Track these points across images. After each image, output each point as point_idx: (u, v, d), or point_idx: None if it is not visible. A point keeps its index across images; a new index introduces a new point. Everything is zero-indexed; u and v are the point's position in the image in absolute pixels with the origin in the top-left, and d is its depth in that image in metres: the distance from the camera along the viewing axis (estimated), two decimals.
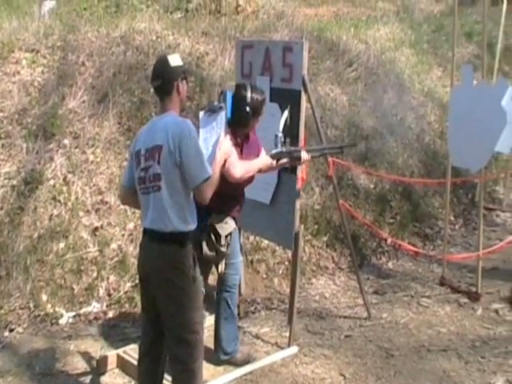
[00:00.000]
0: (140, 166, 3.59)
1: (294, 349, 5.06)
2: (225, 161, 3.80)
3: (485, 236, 7.26)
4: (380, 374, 4.78)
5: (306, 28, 10.23)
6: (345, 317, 5.70)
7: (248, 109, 4.38)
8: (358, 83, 8.94)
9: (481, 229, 6.15)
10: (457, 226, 7.93)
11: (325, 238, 6.75)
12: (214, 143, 3.84)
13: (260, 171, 4.48)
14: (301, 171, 4.94)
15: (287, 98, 4.93)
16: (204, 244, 4.22)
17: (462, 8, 13.79)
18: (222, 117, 3.96)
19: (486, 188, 8.59)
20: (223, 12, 12.03)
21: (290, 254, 5.44)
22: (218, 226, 4.30)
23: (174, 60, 3.65)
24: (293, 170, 4.92)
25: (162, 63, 3.66)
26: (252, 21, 11.06)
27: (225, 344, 4.78)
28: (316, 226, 6.77)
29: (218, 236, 4.29)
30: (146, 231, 3.66)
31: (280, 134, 4.85)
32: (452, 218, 7.90)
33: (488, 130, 5.79)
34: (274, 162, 4.55)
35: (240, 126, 4.44)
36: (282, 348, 5.09)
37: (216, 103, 4.12)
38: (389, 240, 6.78)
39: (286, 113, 4.90)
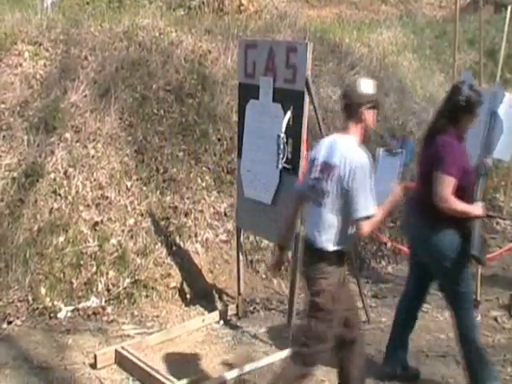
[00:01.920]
0: (312, 174, 3.77)
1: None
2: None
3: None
4: (379, 378, 4.78)
5: (309, 29, 10.22)
6: None
7: (462, 100, 4.21)
8: None
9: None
10: None
11: None
12: (385, 186, 3.84)
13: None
14: (302, 172, 4.93)
15: (290, 99, 4.93)
16: None
17: (464, 15, 13.85)
18: (400, 162, 4.15)
19: (486, 195, 8.58)
20: (226, 11, 12.03)
21: (289, 254, 5.42)
22: None
23: (366, 86, 3.69)
24: (294, 170, 4.90)
25: (352, 85, 3.77)
26: (255, 20, 11.05)
27: None
28: None
29: None
30: (305, 239, 3.80)
31: (282, 135, 4.87)
32: None
33: (485, 136, 5.78)
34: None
35: (450, 122, 4.25)
36: (280, 349, 5.07)
37: (395, 144, 4.30)
38: (389, 244, 6.78)
39: (289, 114, 4.90)
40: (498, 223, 8.37)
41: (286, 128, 4.92)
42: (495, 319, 5.81)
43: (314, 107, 5.02)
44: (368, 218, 3.52)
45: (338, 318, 3.76)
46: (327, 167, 3.63)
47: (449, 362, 5.05)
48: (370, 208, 3.53)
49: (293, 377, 3.81)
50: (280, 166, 4.98)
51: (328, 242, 3.63)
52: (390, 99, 8.96)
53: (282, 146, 4.92)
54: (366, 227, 3.55)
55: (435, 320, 5.76)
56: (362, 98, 3.64)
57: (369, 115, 3.70)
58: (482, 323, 5.67)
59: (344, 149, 3.60)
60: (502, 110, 7.48)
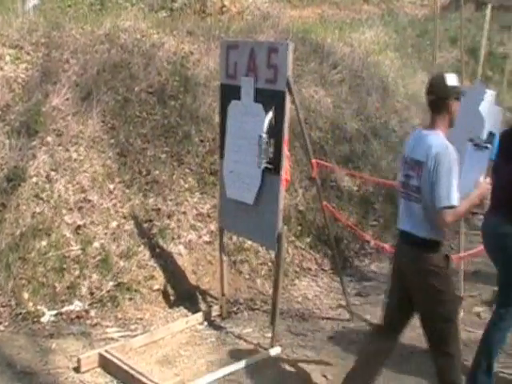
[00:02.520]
0: (403, 171, 3.90)
1: (276, 349, 5.06)
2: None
3: (467, 240, 7.29)
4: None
5: (291, 29, 10.25)
6: (327, 318, 5.72)
7: None
8: (343, 85, 8.98)
9: (462, 232, 6.18)
10: None
11: (308, 240, 6.77)
12: (472, 179, 3.93)
13: None
14: (284, 172, 4.94)
15: (271, 99, 4.93)
16: None
17: (446, 13, 13.92)
18: (487, 157, 4.23)
19: None
20: (208, 12, 12.04)
21: (273, 254, 5.45)
22: None
23: (451, 80, 3.82)
24: (276, 170, 4.92)
25: (438, 80, 3.85)
26: (237, 21, 11.07)
27: None
28: (299, 228, 6.79)
29: None
30: (402, 233, 3.93)
31: (264, 135, 4.88)
32: None
33: (466, 133, 5.81)
34: None
35: None
36: (264, 349, 5.09)
37: (483, 140, 4.39)
38: (372, 242, 6.79)
39: (271, 114, 4.91)
40: (480, 220, 8.38)
41: (268, 128, 4.92)
42: (478, 315, 5.84)
43: (296, 107, 5.02)
44: (451, 208, 3.62)
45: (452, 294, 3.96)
46: (415, 163, 3.77)
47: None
48: (452, 198, 3.62)
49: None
50: (262, 166, 4.98)
51: (427, 233, 3.77)
52: (373, 98, 9.01)
53: (263, 146, 4.93)
54: (449, 217, 3.65)
55: (418, 317, 5.74)
56: (449, 91, 3.79)
57: (455, 107, 3.84)
58: (465, 319, 5.73)
59: (430, 144, 3.72)
60: (482, 107, 7.53)
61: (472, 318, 5.79)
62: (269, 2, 13.68)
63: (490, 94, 8.08)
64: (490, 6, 9.07)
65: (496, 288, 5.99)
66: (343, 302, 5.74)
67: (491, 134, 4.43)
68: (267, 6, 13.21)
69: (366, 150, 8.04)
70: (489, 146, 4.34)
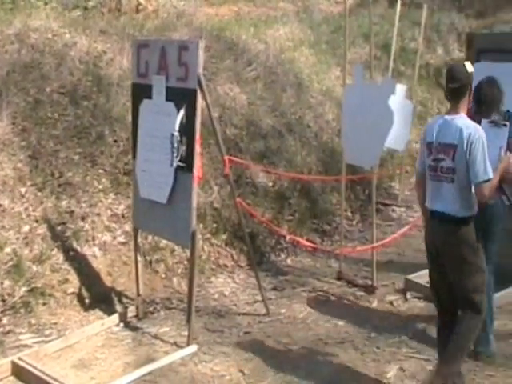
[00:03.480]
0: (431, 156, 4.20)
1: (192, 347, 5.06)
2: None
3: (381, 231, 7.51)
4: (279, 368, 4.84)
5: (206, 27, 10.25)
6: (244, 314, 5.74)
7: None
8: (258, 82, 9.03)
9: (374, 222, 6.34)
10: (354, 222, 8.10)
11: (224, 237, 6.78)
12: (492, 155, 4.24)
13: None
14: (197, 169, 4.94)
15: (183, 97, 4.93)
16: None
17: (360, 9, 14.18)
18: (505, 133, 4.53)
19: (382, 184, 8.86)
20: (123, 11, 11.91)
21: (188, 252, 5.44)
22: None
23: (469, 67, 4.21)
24: (189, 168, 4.92)
25: (460, 68, 4.22)
26: (152, 20, 11.00)
27: None
28: (215, 225, 6.79)
29: None
30: (434, 213, 4.24)
31: (176, 133, 4.88)
32: (349, 214, 8.07)
33: (377, 128, 5.97)
34: None
35: None
36: (181, 347, 5.08)
37: (498, 118, 4.64)
38: (287, 237, 6.86)
39: (182, 112, 4.91)
40: (393, 211, 8.64)
41: (180, 126, 4.92)
42: (391, 303, 5.97)
43: (207, 105, 5.02)
44: (488, 181, 4.02)
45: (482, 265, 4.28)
46: (448, 147, 4.10)
47: (347, 347, 5.15)
48: (488, 172, 4.03)
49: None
50: (174, 165, 4.98)
51: (463, 210, 4.14)
52: (288, 94, 9.09)
53: (175, 145, 4.93)
54: (487, 190, 4.04)
55: (333, 308, 5.88)
56: (469, 78, 4.18)
57: (471, 91, 4.24)
58: (378, 307, 5.88)
59: (460, 127, 4.07)
60: (393, 101, 7.74)
61: (385, 306, 5.92)
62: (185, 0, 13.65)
63: (401, 89, 8.33)
64: (399, 3, 9.32)
65: (408, 276, 6.26)
66: (259, 298, 5.78)
67: (508, 112, 4.77)
68: (183, 4, 13.17)
69: (281, 146, 8.11)
70: (507, 123, 4.67)
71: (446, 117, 4.22)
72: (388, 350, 5.12)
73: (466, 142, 4.02)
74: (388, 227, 7.99)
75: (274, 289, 6.27)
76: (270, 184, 7.62)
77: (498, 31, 13.75)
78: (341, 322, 5.59)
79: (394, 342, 5.25)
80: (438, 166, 4.17)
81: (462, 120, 4.13)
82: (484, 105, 4.64)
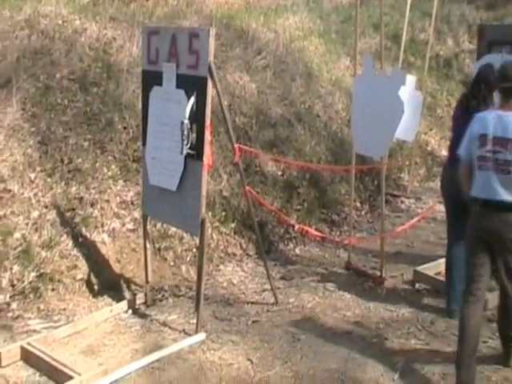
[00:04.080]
0: (486, 147, 4.37)
1: (201, 335, 5.06)
2: None
3: (390, 222, 7.50)
4: (287, 357, 4.86)
5: (216, 15, 10.21)
6: (252, 303, 5.74)
7: None
8: (267, 71, 9.00)
9: (383, 213, 6.34)
10: (363, 212, 8.08)
11: (233, 225, 6.77)
12: None
13: None
14: (207, 157, 4.93)
15: (193, 85, 4.91)
16: None
17: (370, 0, 14.10)
18: None
19: (392, 175, 8.83)
20: None
21: (197, 240, 5.44)
22: None
23: None
24: (198, 156, 4.91)
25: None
26: (162, 7, 10.95)
27: None
28: (224, 213, 6.78)
29: None
30: (489, 202, 4.40)
31: (186, 121, 4.87)
32: (358, 205, 8.05)
33: (386, 118, 5.94)
34: None
35: None
36: (189, 335, 5.09)
37: None
38: (296, 226, 6.85)
39: (193, 99, 4.90)
40: (402, 202, 8.62)
41: (190, 114, 4.91)
42: (400, 294, 5.97)
43: (218, 93, 5.01)
44: None
45: None
46: (505, 141, 4.30)
47: (355, 338, 5.16)
48: None
49: None
50: (184, 152, 4.97)
51: None
52: (297, 83, 9.05)
53: (185, 132, 4.92)
54: None
55: (341, 298, 5.87)
56: None
57: None
58: (387, 298, 5.87)
59: None
60: (403, 92, 7.70)
61: (393, 298, 5.91)
62: None
63: (410, 80, 8.28)
64: None
65: (416, 267, 6.25)
66: (268, 286, 5.78)
67: None
68: None
69: (290, 135, 8.09)
70: None
71: (500, 112, 4.41)
72: (396, 341, 5.13)
73: None
74: (397, 218, 7.97)
75: (283, 278, 6.27)
76: (279, 173, 7.61)
77: (508, 23, 13.69)
78: (349, 313, 5.59)
79: (402, 333, 5.25)
80: (493, 158, 4.35)
81: None
82: None
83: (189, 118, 4.91)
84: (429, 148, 9.95)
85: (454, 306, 5.39)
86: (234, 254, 6.61)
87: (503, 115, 4.37)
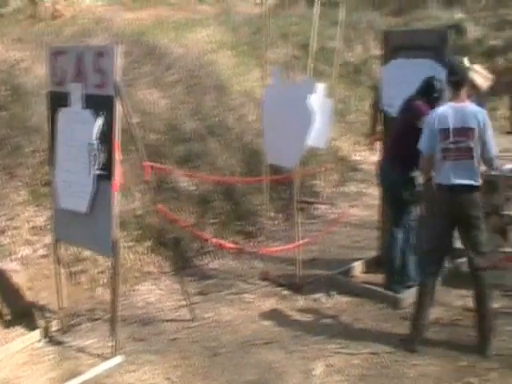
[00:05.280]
0: (448, 140, 4.86)
1: (118, 358, 4.99)
2: None
3: (305, 229, 7.54)
4: (207, 373, 4.84)
5: (126, 32, 10.17)
6: (170, 320, 5.68)
7: None
8: (179, 86, 9.02)
9: (297, 221, 6.40)
10: (278, 222, 8.11)
11: (148, 243, 6.72)
12: None
13: None
14: (116, 177, 4.89)
15: (101, 105, 4.88)
16: None
17: (279, 10, 14.31)
18: None
19: (305, 183, 8.92)
20: (40, 17, 11.71)
21: (111, 262, 5.37)
22: None
23: (467, 61, 5.29)
24: (108, 176, 4.86)
25: (460, 64, 5.38)
26: (70, 26, 10.85)
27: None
28: (139, 232, 6.72)
29: None
30: (457, 186, 4.88)
31: (94, 141, 4.83)
32: (273, 214, 8.08)
33: (297, 127, 6.03)
34: None
35: None
36: (106, 359, 5.01)
37: None
38: (211, 240, 6.85)
39: (100, 119, 4.86)
40: (317, 208, 8.72)
41: (99, 134, 4.87)
42: (317, 300, 6.02)
43: (125, 111, 4.96)
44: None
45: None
46: (465, 130, 4.82)
47: (274, 347, 5.18)
48: (495, 147, 4.92)
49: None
50: (93, 174, 4.92)
51: (479, 179, 4.91)
52: (209, 97, 9.10)
53: (94, 153, 4.87)
54: (497, 161, 5.02)
55: (259, 309, 5.89)
56: (467, 71, 5.18)
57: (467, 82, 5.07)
58: (304, 306, 5.93)
59: (473, 113, 4.84)
60: (314, 100, 7.80)
61: (311, 304, 5.97)
62: (104, 5, 13.49)
63: (320, 87, 8.41)
64: (318, 3, 9.41)
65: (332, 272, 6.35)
66: (185, 303, 5.75)
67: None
68: (102, 10, 13.02)
69: (204, 149, 8.10)
70: None
71: (455, 105, 4.91)
72: (315, 347, 5.17)
73: (481, 124, 4.79)
74: (312, 225, 8.05)
75: (200, 293, 6.22)
76: (193, 188, 7.60)
77: (415, 28, 14.11)
78: (267, 323, 5.61)
79: (320, 338, 5.30)
80: (456, 148, 4.85)
81: (472, 106, 4.90)
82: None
83: (98, 138, 4.86)
84: (341, 154, 10.13)
85: (394, 286, 5.95)
86: (150, 273, 6.54)
87: (458, 107, 4.87)
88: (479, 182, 4.96)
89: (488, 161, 4.99)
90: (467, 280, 5.20)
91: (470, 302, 5.53)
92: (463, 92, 4.94)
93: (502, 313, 5.50)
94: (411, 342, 5.09)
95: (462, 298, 5.60)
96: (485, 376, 4.66)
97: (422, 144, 5.04)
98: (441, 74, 6.01)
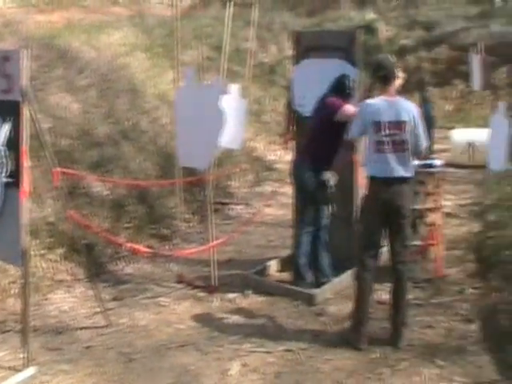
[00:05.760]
0: (381, 132, 4.97)
1: (31, 370, 4.87)
2: None
3: (220, 230, 7.59)
4: (121, 379, 4.78)
5: (36, 35, 9.96)
6: (84, 328, 5.58)
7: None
8: (91, 90, 8.91)
9: (211, 222, 6.43)
10: (193, 224, 8.14)
11: (61, 251, 6.59)
12: None
13: None
14: (24, 184, 4.80)
15: (8, 110, 4.77)
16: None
17: (193, 12, 14.32)
18: None
19: (220, 184, 8.99)
20: None
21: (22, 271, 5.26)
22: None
23: (392, 58, 5.35)
24: (16, 183, 4.76)
25: (386, 59, 5.31)
26: None
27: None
28: (51, 239, 6.60)
29: None
30: (391, 178, 5.01)
31: (1, 148, 4.73)
32: (188, 216, 8.11)
33: (209, 129, 6.06)
34: None
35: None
36: (18, 371, 4.89)
37: None
38: (126, 245, 6.79)
39: (7, 126, 4.76)
40: (232, 209, 8.78)
41: (7, 140, 4.76)
42: (231, 301, 6.07)
43: (32, 116, 4.86)
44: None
45: None
46: (399, 124, 4.97)
47: (189, 350, 5.18)
48: (425, 139, 5.17)
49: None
50: (1, 181, 4.81)
51: (411, 172, 5.09)
52: (122, 100, 9.03)
53: (1, 160, 4.78)
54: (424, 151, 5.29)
55: (174, 312, 5.88)
56: (394, 66, 5.17)
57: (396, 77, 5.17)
58: (219, 306, 5.96)
59: (405, 107, 5.03)
60: (228, 101, 7.85)
61: (226, 305, 6.01)
62: (14, 7, 13.19)
63: (234, 88, 8.46)
64: (231, 4, 9.47)
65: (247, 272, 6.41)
66: (99, 309, 5.69)
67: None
68: (12, 12, 12.71)
69: (117, 153, 8.03)
70: None
71: (386, 99, 5.04)
72: (230, 347, 5.20)
73: (413, 118, 5.00)
74: (227, 226, 8.10)
75: (114, 299, 6.15)
76: (107, 193, 7.52)
77: (327, 29, 14.38)
78: (182, 326, 5.60)
79: (235, 339, 5.33)
80: (390, 141, 4.99)
81: (403, 100, 5.08)
82: None
83: (5, 145, 4.76)
84: (256, 154, 10.23)
85: (301, 281, 6.11)
86: (64, 281, 6.40)
87: (391, 101, 5.03)
88: (412, 174, 5.12)
89: (419, 154, 5.21)
90: (380, 274, 5.37)
91: (382, 295, 5.74)
92: (392, 86, 5.07)
93: (413, 304, 5.70)
94: (357, 340, 5.12)
95: (375, 292, 5.72)
96: (396, 366, 4.81)
97: (353, 132, 5.20)
98: (351, 73, 6.21)
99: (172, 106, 9.37)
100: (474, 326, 5.40)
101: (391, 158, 5.01)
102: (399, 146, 5.02)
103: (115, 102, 8.91)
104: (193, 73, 6.50)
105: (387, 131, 4.98)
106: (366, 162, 5.20)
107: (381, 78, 5.13)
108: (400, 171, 5.03)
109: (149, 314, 5.84)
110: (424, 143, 5.14)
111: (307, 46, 6.64)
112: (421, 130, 5.09)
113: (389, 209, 5.07)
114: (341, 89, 5.90)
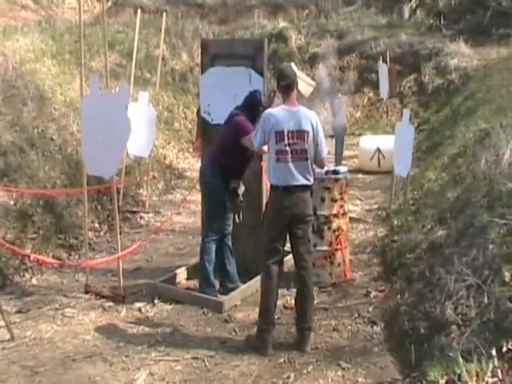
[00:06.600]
0: (283, 142, 5.07)
1: None
2: None
3: (129, 239, 7.57)
4: None
5: None
6: None
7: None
8: None
9: (118, 231, 6.40)
10: (102, 233, 8.07)
11: None
12: None
13: None
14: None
15: None
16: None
17: (105, 18, 14.14)
18: None
19: (130, 192, 8.92)
20: None
21: None
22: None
23: (294, 67, 5.54)
24: None
25: (288, 68, 5.46)
26: None
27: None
28: None
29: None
30: (293, 187, 5.13)
31: None
32: (97, 225, 8.02)
33: (114, 137, 6.04)
34: None
35: None
36: None
37: None
38: (32, 256, 6.63)
39: None
40: (141, 217, 8.73)
41: None
42: (139, 310, 6.05)
43: None
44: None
45: None
46: (301, 133, 5.09)
47: (95, 361, 5.14)
48: (326, 148, 5.36)
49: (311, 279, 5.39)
50: None
51: (311, 179, 5.21)
52: (29, 108, 8.83)
53: None
54: (325, 161, 5.48)
55: (81, 323, 5.81)
56: (295, 75, 5.29)
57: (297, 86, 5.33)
58: (127, 316, 5.93)
59: (306, 116, 5.14)
60: (136, 109, 7.85)
61: (134, 314, 5.99)
62: None
63: (143, 96, 8.45)
64: (139, 11, 9.46)
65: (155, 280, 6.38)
66: (2, 323, 5.54)
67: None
68: None
69: (23, 162, 7.83)
70: None
71: (288, 108, 5.15)
72: (137, 356, 5.19)
73: (315, 127, 5.13)
74: (136, 234, 8.06)
75: (19, 311, 5.98)
76: (12, 203, 7.33)
77: (239, 37, 14.53)
78: (88, 336, 5.54)
79: (142, 348, 5.33)
80: (291, 150, 5.09)
81: (305, 110, 5.21)
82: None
83: None
84: (167, 161, 10.21)
85: (206, 288, 6.16)
86: None
87: (292, 110, 5.13)
88: (312, 182, 5.24)
89: (319, 162, 5.32)
90: (286, 279, 5.45)
91: (288, 301, 5.85)
92: (293, 95, 5.18)
93: (319, 308, 5.84)
94: (263, 346, 5.19)
95: (282, 297, 5.82)
96: (302, 370, 4.93)
97: (257, 142, 5.26)
98: (257, 81, 6.30)
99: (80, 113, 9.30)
100: (377, 328, 5.57)
101: (292, 167, 5.12)
102: (300, 155, 5.12)
103: (22, 109, 8.70)
104: (98, 80, 6.45)
105: (289, 141, 5.08)
106: (268, 171, 5.29)
107: (283, 87, 5.19)
108: (300, 179, 5.15)
109: (55, 326, 5.75)
110: (324, 152, 5.28)
111: (214, 54, 6.68)
112: (321, 139, 5.21)
113: (290, 216, 5.17)
114: (253, 105, 5.94)
